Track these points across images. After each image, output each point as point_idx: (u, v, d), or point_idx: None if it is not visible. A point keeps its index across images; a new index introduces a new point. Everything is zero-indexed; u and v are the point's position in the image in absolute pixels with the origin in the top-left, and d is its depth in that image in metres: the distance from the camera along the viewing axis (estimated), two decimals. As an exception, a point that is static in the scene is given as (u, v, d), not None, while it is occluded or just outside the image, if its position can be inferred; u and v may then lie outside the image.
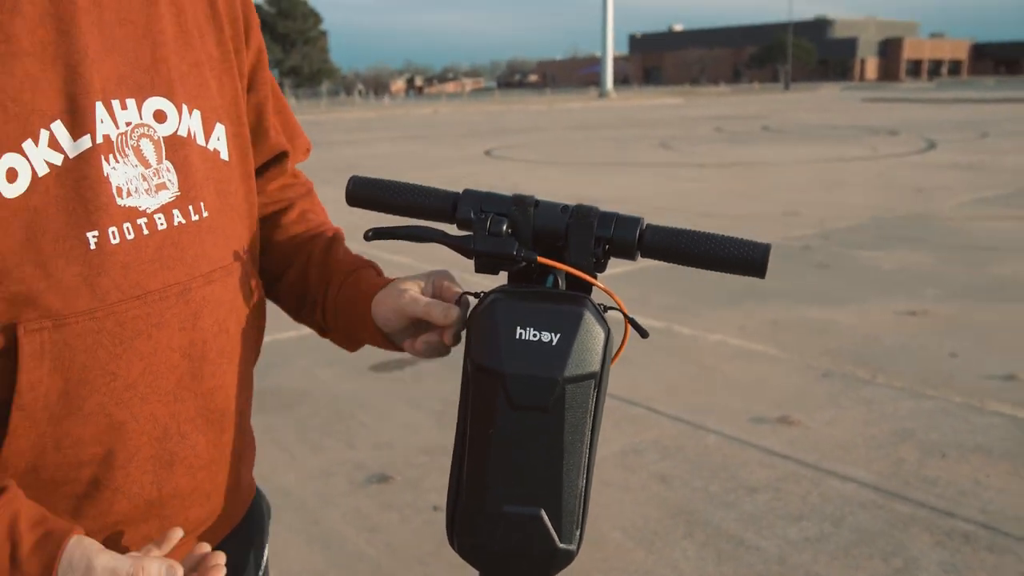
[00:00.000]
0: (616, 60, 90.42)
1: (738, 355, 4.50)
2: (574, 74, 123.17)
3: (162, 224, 0.82)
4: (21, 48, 0.74)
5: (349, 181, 0.99)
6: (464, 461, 0.90)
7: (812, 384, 4.06)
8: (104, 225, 0.78)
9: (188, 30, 0.88)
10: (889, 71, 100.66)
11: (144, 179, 0.81)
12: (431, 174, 12.75)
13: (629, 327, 0.93)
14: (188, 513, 0.91)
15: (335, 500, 3.03)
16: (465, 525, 0.91)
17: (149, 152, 0.82)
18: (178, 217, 0.84)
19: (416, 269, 1.02)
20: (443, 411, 3.81)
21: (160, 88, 0.84)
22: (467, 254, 0.90)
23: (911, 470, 3.14)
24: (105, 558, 0.72)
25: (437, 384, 4.15)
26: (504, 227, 0.90)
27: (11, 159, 0.73)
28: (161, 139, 0.83)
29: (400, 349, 0.99)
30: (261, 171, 1.03)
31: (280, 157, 1.05)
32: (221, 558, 0.81)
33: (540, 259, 0.90)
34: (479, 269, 0.91)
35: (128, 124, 0.80)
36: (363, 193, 0.99)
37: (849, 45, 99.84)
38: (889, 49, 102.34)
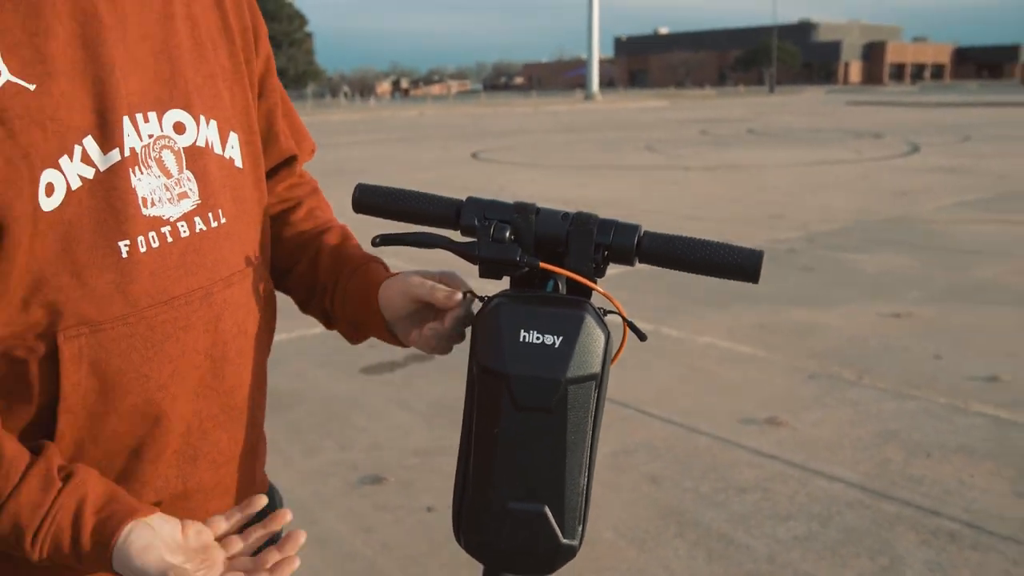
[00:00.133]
0: (602, 63, 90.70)
1: (726, 357, 4.55)
2: (560, 77, 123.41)
3: (185, 232, 0.86)
4: (56, 68, 0.77)
5: (355, 189, 1.02)
6: (470, 460, 0.92)
7: (799, 386, 4.11)
8: (134, 234, 0.82)
9: (202, 43, 0.91)
10: (873, 74, 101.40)
11: (167, 189, 0.85)
12: (418, 176, 12.77)
13: (628, 330, 0.96)
14: (209, 506, 0.94)
15: (330, 501, 3.06)
16: (471, 522, 0.94)
17: (170, 163, 0.85)
18: (199, 224, 0.88)
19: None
20: (434, 413, 3.84)
21: (179, 101, 0.87)
22: (472, 260, 0.94)
23: (896, 470, 3.19)
24: (140, 561, 0.76)
25: (428, 386, 4.17)
26: (507, 234, 0.93)
27: (50, 175, 0.77)
28: (181, 150, 0.87)
29: (403, 344, 1.02)
30: (271, 174, 1.07)
31: (289, 160, 1.09)
32: (297, 539, 0.84)
33: (542, 265, 0.93)
34: (483, 274, 0.95)
35: (151, 136, 0.84)
36: (368, 200, 1.02)
37: (833, 49, 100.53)
38: (873, 53, 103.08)
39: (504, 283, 0.97)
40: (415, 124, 30.14)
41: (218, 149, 0.91)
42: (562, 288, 0.97)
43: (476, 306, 0.97)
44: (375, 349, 4.69)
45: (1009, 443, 3.40)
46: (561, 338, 0.87)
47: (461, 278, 0.98)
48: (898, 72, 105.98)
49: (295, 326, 1.09)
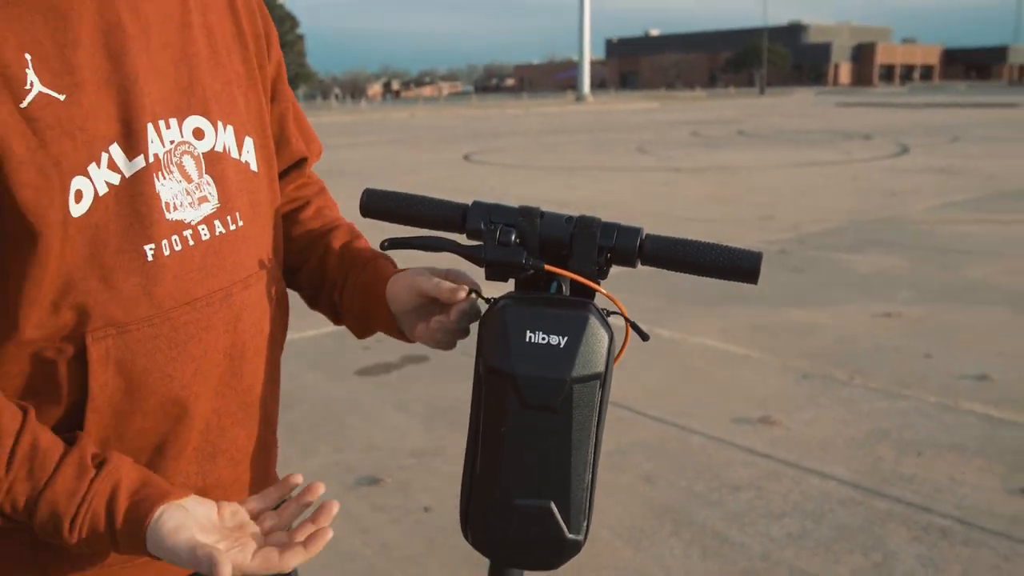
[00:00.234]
0: (593, 64, 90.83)
1: (719, 357, 4.59)
2: (551, 78, 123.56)
3: (205, 235, 0.89)
4: (84, 78, 0.79)
5: (363, 194, 1.05)
6: (477, 458, 0.95)
7: (791, 385, 4.14)
8: (158, 238, 0.84)
9: (218, 50, 0.94)
10: (862, 76, 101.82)
11: (188, 193, 0.87)
12: (410, 179, 12.78)
13: (630, 330, 0.99)
14: (228, 499, 0.96)
15: (326, 502, 3.07)
16: (478, 518, 0.96)
17: (191, 168, 0.88)
18: (218, 227, 0.90)
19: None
20: (430, 415, 3.86)
21: (197, 107, 0.89)
22: (478, 263, 0.96)
23: (888, 468, 3.23)
24: (172, 541, 0.78)
25: (423, 388, 4.19)
26: (512, 237, 0.96)
27: (79, 182, 0.79)
28: (200, 155, 0.89)
29: (408, 339, 1.05)
30: (282, 175, 1.10)
31: (300, 162, 1.12)
32: (329, 511, 0.85)
33: (547, 267, 0.96)
34: (489, 277, 0.97)
35: (172, 142, 0.86)
36: (376, 205, 1.05)
37: (823, 50, 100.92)
38: (862, 54, 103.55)
39: (509, 285, 0.99)
40: (406, 126, 30.14)
41: (235, 154, 0.94)
42: (565, 290, 0.99)
43: (481, 305, 1.00)
44: (370, 351, 4.71)
45: (999, 441, 3.44)
46: (566, 338, 0.89)
47: (467, 275, 1.00)
48: (887, 73, 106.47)
49: (290, 328, 1.10)
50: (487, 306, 0.95)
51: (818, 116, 30.47)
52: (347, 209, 1.14)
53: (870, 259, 6.87)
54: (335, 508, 0.85)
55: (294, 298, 1.13)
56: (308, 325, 1.09)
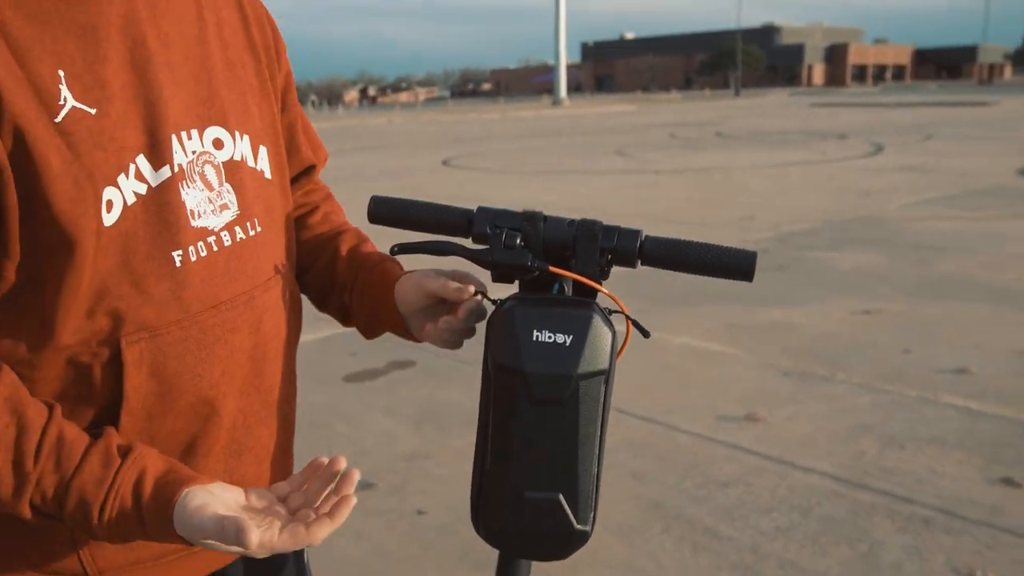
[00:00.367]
0: (569, 68, 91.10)
1: (702, 356, 4.65)
2: (527, 82, 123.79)
3: (227, 241, 0.93)
4: (112, 92, 0.83)
5: (370, 201, 1.08)
6: (487, 452, 0.99)
7: (774, 382, 4.21)
8: (185, 244, 0.88)
9: (233, 63, 0.98)
10: (835, 76, 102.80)
11: (210, 201, 0.91)
12: (389, 184, 12.79)
13: (631, 327, 1.03)
14: None
15: (319, 507, 3.09)
16: (489, 511, 1.00)
17: (212, 177, 0.92)
18: (239, 233, 0.94)
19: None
20: (419, 419, 3.88)
21: (216, 118, 0.93)
22: (485, 265, 1.00)
23: (871, 461, 3.30)
24: (199, 517, 0.81)
25: (411, 393, 4.22)
26: (517, 240, 1.00)
27: (110, 192, 0.83)
28: (220, 164, 0.93)
29: (416, 339, 1.08)
30: (292, 182, 1.13)
31: (309, 169, 1.16)
32: (351, 479, 0.87)
33: (552, 269, 1.00)
34: (496, 279, 1.01)
35: (194, 152, 0.90)
36: (383, 211, 1.08)
37: (796, 51, 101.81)
38: (835, 55, 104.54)
39: (513, 287, 1.03)
40: (384, 132, 30.12)
41: (251, 162, 0.98)
42: (568, 290, 1.04)
43: (487, 306, 1.04)
44: (356, 357, 4.73)
45: (978, 433, 3.52)
46: (572, 336, 0.93)
47: (472, 275, 1.04)
48: (860, 73, 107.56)
49: (326, 313, 1.14)
50: (493, 307, 0.99)
51: (793, 117, 30.76)
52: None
53: (848, 257, 6.97)
54: (356, 475, 0.87)
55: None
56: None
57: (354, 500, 0.85)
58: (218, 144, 0.93)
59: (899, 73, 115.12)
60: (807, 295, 5.83)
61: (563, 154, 17.99)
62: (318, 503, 0.86)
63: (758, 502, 3.01)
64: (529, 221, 1.01)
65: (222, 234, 0.92)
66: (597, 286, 1.00)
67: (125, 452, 0.84)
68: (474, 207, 1.05)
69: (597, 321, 0.94)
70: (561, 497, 0.97)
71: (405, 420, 3.89)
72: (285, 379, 1.04)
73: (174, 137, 0.88)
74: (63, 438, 0.83)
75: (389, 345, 4.64)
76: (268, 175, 1.01)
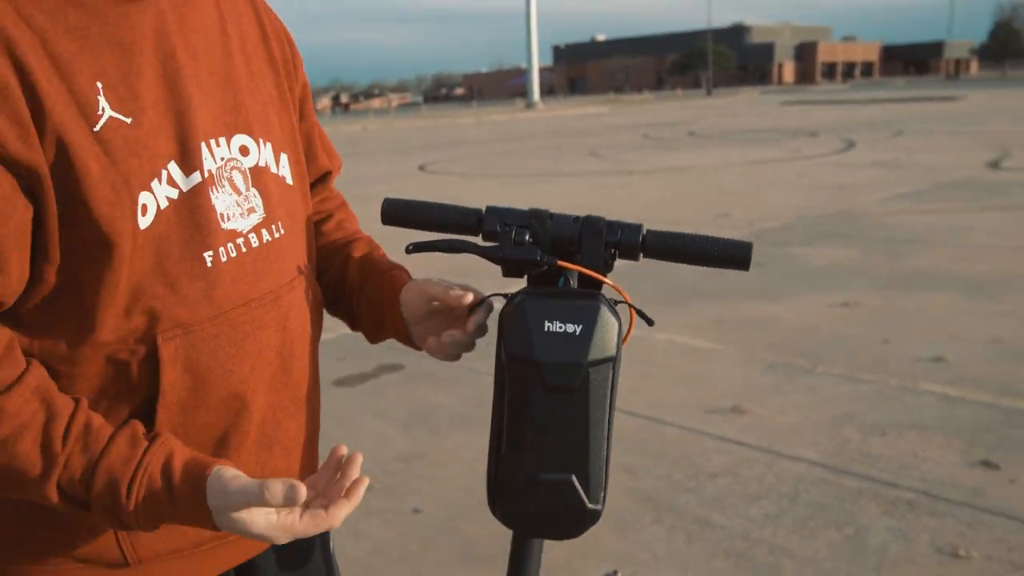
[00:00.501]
0: (541, 71, 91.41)
1: (687, 352, 4.73)
2: (500, 86, 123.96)
3: (255, 242, 0.98)
4: (146, 103, 0.88)
5: (383, 202, 1.13)
6: (502, 438, 1.04)
7: (758, 375, 4.29)
8: (216, 246, 0.93)
9: (255, 75, 1.03)
10: (805, 74, 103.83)
11: (238, 205, 0.96)
12: (369, 191, 12.78)
13: (635, 316, 1.09)
14: None
15: (316, 510, 3.12)
16: (506, 494, 1.04)
17: (239, 182, 0.97)
18: (265, 236, 0.99)
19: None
20: (410, 421, 3.93)
21: (242, 126, 0.98)
22: (496, 261, 1.05)
23: (855, 448, 3.38)
24: (237, 483, 0.86)
25: (400, 396, 4.26)
26: (527, 237, 1.05)
27: (144, 197, 0.88)
28: (247, 170, 0.98)
29: (416, 347, 1.13)
30: (310, 188, 1.18)
31: (325, 176, 1.21)
32: (356, 461, 0.92)
33: (560, 263, 1.05)
34: (506, 274, 1.06)
35: (223, 159, 0.95)
36: (395, 213, 1.14)
37: (766, 50, 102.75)
38: (804, 53, 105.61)
39: (511, 282, 1.08)
40: (359, 139, 30.06)
41: (274, 168, 1.03)
42: (573, 283, 1.09)
43: (496, 302, 1.09)
44: (344, 362, 4.76)
45: (956, 418, 3.62)
46: (581, 326, 0.98)
47: (476, 289, 1.09)
48: (830, 71, 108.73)
49: (336, 317, 1.18)
50: (504, 302, 1.04)
51: (765, 115, 31.06)
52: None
53: (824, 252, 7.09)
54: (360, 458, 0.92)
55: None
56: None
57: (367, 479, 0.91)
58: (244, 151, 0.98)
59: (868, 70, 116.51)
60: (786, 290, 5.93)
61: (538, 157, 18.07)
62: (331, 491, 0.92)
63: (747, 491, 3.08)
64: (536, 218, 1.07)
65: (250, 236, 0.97)
66: (602, 278, 1.06)
67: (152, 437, 0.89)
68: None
69: (604, 311, 0.99)
70: (574, 478, 1.02)
71: (396, 422, 3.93)
72: (311, 375, 1.09)
73: (203, 145, 0.93)
74: (90, 424, 0.87)
75: (377, 349, 4.68)
76: (289, 181, 1.06)
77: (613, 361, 1.01)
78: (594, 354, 0.98)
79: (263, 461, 1.02)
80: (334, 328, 1.17)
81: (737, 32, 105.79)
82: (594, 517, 1.05)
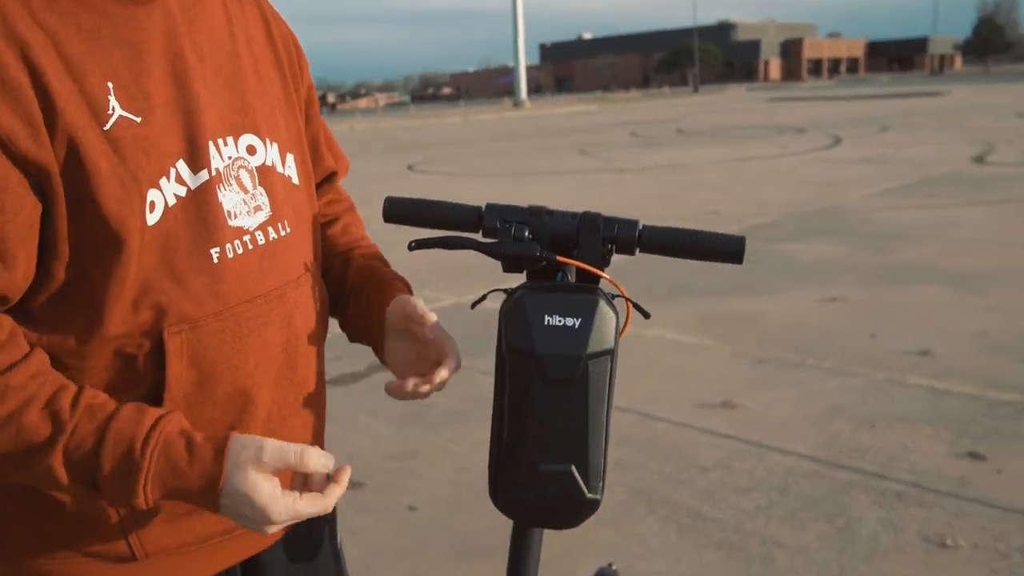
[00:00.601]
0: (528, 70, 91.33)
1: (677, 348, 4.76)
2: (487, 85, 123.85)
3: (261, 240, 1.00)
4: (155, 103, 0.91)
5: (385, 201, 1.16)
6: (503, 430, 1.06)
7: (748, 370, 4.33)
8: (222, 242, 0.95)
9: (262, 77, 1.05)
10: (791, 71, 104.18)
11: (245, 203, 0.98)
12: (359, 190, 12.73)
13: (631, 309, 1.12)
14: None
15: (312, 508, 3.14)
16: (506, 484, 1.07)
17: (246, 180, 0.99)
18: (272, 233, 1.02)
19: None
20: (402, 420, 3.95)
21: (249, 126, 1.01)
22: (496, 257, 1.08)
23: (844, 441, 3.42)
24: (274, 440, 0.89)
25: (394, 393, 4.28)
26: (526, 233, 1.08)
27: (152, 194, 0.90)
28: (254, 169, 1.01)
29: (382, 360, 1.16)
30: (316, 188, 1.20)
31: (331, 176, 1.23)
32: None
33: (560, 258, 1.08)
34: (507, 269, 1.09)
35: (230, 158, 0.98)
36: (397, 211, 1.16)
37: (752, 47, 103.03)
38: (790, 50, 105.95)
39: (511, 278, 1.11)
40: (346, 139, 30.00)
41: (280, 168, 1.05)
42: (571, 278, 1.12)
43: (490, 310, 1.11)
44: (337, 362, 4.77)
45: (944, 410, 3.67)
46: (580, 320, 1.01)
47: (444, 333, 1.11)
48: (815, 67, 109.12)
49: (332, 316, 1.20)
50: (504, 297, 1.07)
51: (752, 112, 31.18)
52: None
53: (812, 248, 7.14)
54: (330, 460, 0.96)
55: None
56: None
57: (348, 468, 0.97)
58: (251, 150, 1.01)
59: (853, 66, 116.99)
60: (774, 285, 5.97)
61: (527, 155, 18.09)
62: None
63: (738, 483, 3.11)
64: (535, 215, 1.10)
65: (256, 233, 1.00)
66: (600, 273, 1.09)
67: (159, 412, 0.91)
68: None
69: (603, 305, 1.02)
70: (573, 468, 1.04)
71: (389, 421, 3.95)
72: (317, 372, 1.11)
73: (211, 143, 0.95)
74: (96, 398, 0.89)
75: (368, 349, 4.69)
76: (295, 180, 1.08)
77: (611, 353, 1.03)
78: (593, 347, 1.01)
79: None
80: (329, 327, 1.19)
81: (723, 29, 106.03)
82: (593, 506, 1.08)
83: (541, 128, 28.98)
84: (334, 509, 1.25)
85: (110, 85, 0.88)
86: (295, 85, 1.12)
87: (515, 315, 1.02)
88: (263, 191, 1.01)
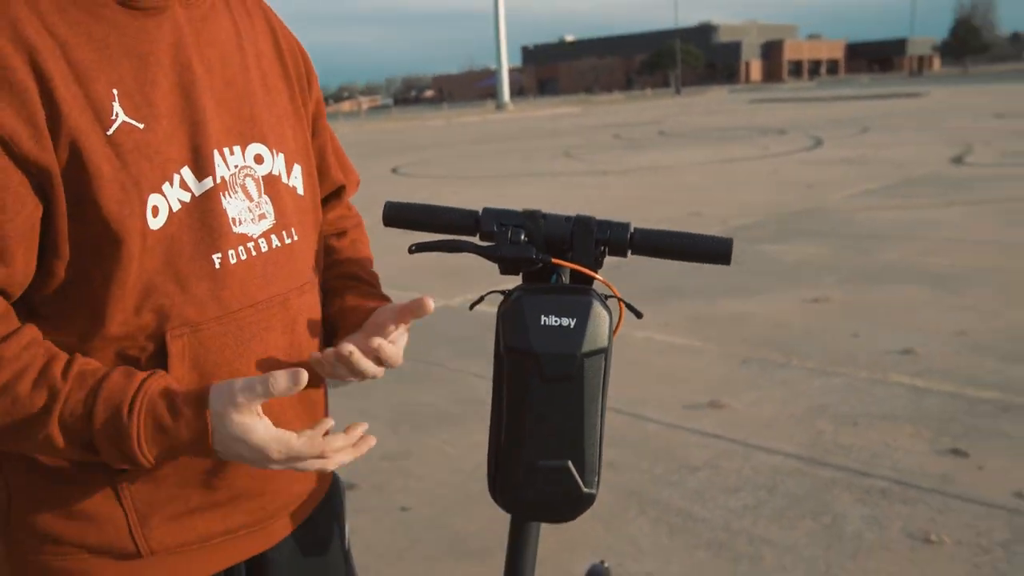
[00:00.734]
0: (511, 72, 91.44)
1: (664, 349, 4.82)
2: (470, 87, 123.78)
3: (264, 247, 1.03)
4: (160, 111, 0.95)
5: (385, 206, 1.20)
6: (502, 427, 1.10)
7: (734, 371, 4.39)
8: (225, 248, 0.99)
9: (270, 89, 1.09)
10: (772, 72, 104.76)
11: (250, 211, 1.02)
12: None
13: (624, 309, 1.16)
14: (292, 488, 1.10)
15: (305, 511, 3.17)
16: (506, 481, 1.11)
17: (252, 189, 1.03)
18: (275, 241, 1.05)
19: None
20: (396, 420, 3.98)
21: (257, 136, 1.04)
22: (493, 259, 1.12)
23: (829, 439, 3.49)
24: (242, 378, 0.93)
25: (386, 396, 4.31)
26: (522, 236, 1.12)
27: (155, 198, 0.94)
28: (260, 178, 1.04)
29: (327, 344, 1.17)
30: (323, 202, 1.24)
31: (339, 190, 1.26)
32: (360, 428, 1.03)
33: (554, 260, 1.12)
34: (503, 271, 1.13)
35: (236, 166, 1.01)
36: (396, 215, 1.20)
37: (734, 49, 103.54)
38: (771, 51, 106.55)
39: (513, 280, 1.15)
40: (330, 142, 29.89)
41: (286, 178, 1.09)
42: (565, 280, 1.16)
43: (491, 305, 1.15)
44: (327, 365, 4.79)
45: (925, 408, 3.74)
46: (575, 320, 1.06)
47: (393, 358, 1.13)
48: (796, 69, 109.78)
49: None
50: (501, 299, 1.11)
51: (733, 113, 31.36)
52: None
53: (795, 248, 7.22)
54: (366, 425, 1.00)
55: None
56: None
57: (373, 439, 1.04)
58: (259, 160, 1.04)
59: (833, 67, 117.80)
60: (759, 286, 6.04)
61: (511, 158, 18.14)
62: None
63: (726, 483, 3.17)
64: (531, 219, 1.14)
65: (260, 241, 1.03)
66: (594, 274, 1.13)
67: (144, 374, 0.94)
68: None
69: (596, 305, 1.06)
70: (570, 464, 1.09)
71: (381, 422, 3.98)
72: (319, 378, 1.14)
73: (216, 152, 0.99)
74: (87, 365, 0.93)
75: (359, 352, 4.72)
76: (300, 191, 1.12)
77: (605, 352, 1.08)
78: (588, 345, 1.05)
79: None
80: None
81: (704, 31, 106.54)
82: (589, 500, 1.12)
83: (524, 130, 29.03)
84: (343, 511, 1.29)
85: (115, 92, 0.92)
86: (303, 98, 1.15)
87: (513, 315, 1.06)
88: (268, 200, 1.05)
